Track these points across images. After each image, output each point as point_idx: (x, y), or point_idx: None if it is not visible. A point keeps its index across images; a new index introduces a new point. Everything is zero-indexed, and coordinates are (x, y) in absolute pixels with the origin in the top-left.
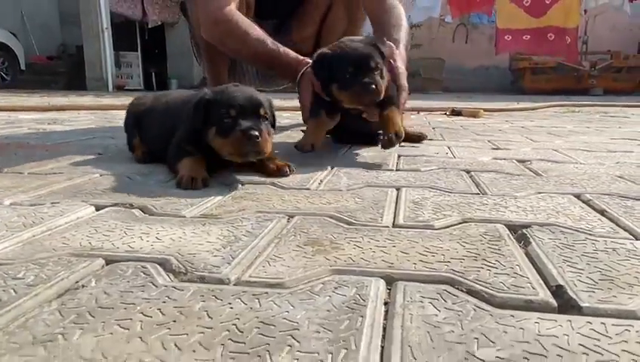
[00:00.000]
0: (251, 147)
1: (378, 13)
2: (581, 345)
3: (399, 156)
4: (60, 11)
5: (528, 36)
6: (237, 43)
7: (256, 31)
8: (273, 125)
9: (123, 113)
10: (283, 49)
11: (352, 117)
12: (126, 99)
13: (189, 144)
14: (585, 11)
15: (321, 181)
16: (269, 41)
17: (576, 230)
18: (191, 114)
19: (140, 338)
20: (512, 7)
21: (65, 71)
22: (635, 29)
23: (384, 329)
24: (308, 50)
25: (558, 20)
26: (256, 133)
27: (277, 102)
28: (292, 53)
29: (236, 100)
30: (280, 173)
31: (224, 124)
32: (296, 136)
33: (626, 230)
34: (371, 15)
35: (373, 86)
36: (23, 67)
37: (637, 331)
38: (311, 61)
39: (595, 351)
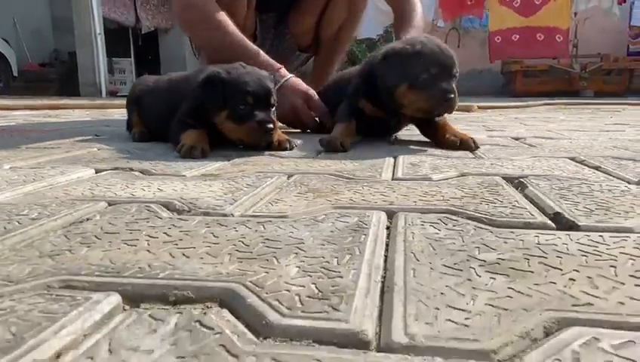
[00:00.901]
0: (264, 138)
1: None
2: (580, 250)
3: (395, 135)
4: (52, 17)
5: (517, 36)
6: (210, 30)
7: (230, 24)
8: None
9: (118, 110)
10: (260, 51)
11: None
12: (120, 102)
13: (192, 119)
14: (575, 14)
15: (319, 152)
16: (247, 39)
17: (571, 178)
18: (202, 90)
19: (148, 251)
20: (502, 9)
21: (57, 77)
22: (624, 32)
23: (387, 245)
24: (306, 43)
25: (549, 21)
26: (271, 126)
27: None
28: (267, 58)
29: (251, 86)
30: (281, 147)
31: (240, 110)
32: None
33: (619, 178)
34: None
35: (452, 96)
36: (15, 74)
37: (634, 240)
38: (284, 70)
39: (593, 254)
